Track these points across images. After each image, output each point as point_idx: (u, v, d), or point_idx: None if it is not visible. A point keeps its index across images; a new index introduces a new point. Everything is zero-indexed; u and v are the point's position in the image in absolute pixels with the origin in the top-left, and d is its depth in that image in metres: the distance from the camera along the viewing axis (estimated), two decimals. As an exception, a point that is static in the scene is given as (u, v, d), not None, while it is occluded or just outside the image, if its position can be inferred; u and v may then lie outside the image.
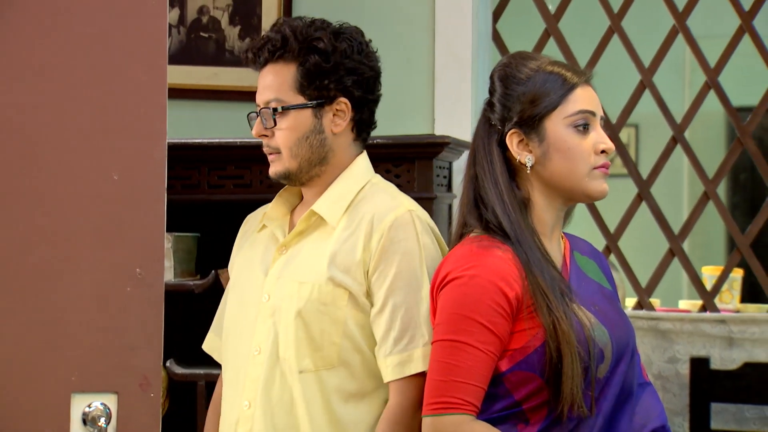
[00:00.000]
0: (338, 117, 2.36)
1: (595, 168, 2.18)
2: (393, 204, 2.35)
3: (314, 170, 2.37)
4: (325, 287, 2.31)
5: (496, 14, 4.12)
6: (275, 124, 2.34)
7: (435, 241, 2.36)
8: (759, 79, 4.36)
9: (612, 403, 2.16)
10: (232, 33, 3.70)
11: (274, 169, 2.39)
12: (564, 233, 2.31)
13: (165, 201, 1.88)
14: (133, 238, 1.85)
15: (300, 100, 2.34)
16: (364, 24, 3.61)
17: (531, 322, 2.12)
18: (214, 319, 2.61)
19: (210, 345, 2.61)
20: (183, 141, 3.23)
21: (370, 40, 2.42)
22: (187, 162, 3.27)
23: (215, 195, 3.27)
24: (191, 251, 3.36)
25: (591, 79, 2.25)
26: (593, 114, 2.21)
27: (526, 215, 2.19)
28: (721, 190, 5.89)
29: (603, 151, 2.19)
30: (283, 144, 2.35)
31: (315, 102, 2.33)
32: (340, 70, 2.33)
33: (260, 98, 2.41)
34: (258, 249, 2.46)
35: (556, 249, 2.25)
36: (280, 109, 2.33)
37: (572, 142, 2.17)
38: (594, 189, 2.18)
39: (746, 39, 4.13)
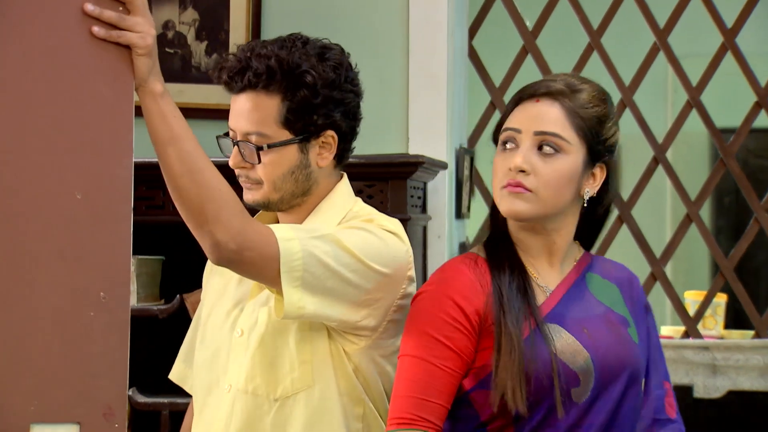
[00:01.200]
0: (324, 149, 2.29)
1: (502, 187, 2.18)
2: None
3: (296, 200, 2.31)
4: None
5: (472, 30, 4.13)
6: (259, 161, 2.27)
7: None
8: (742, 99, 4.39)
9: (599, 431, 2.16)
10: (198, 49, 3.69)
11: (253, 197, 2.30)
12: (593, 255, 2.30)
13: (131, 222, 1.86)
14: (97, 260, 1.83)
15: (285, 134, 2.25)
16: (337, 40, 3.61)
17: (491, 340, 2.15)
18: (182, 347, 2.51)
19: (178, 375, 2.52)
20: (147, 160, 3.18)
21: (349, 54, 2.37)
22: (152, 182, 3.23)
23: (179, 216, 3.23)
24: (155, 275, 3.33)
25: (545, 94, 2.18)
26: (518, 131, 2.17)
27: (509, 232, 2.23)
28: (705, 212, 5.91)
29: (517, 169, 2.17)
30: (266, 178, 2.27)
31: (301, 137, 2.26)
32: (328, 103, 2.26)
33: (237, 126, 2.28)
34: (231, 280, 2.38)
35: (548, 268, 2.23)
36: (265, 147, 2.24)
37: (495, 161, 2.22)
38: (502, 208, 2.18)
39: (729, 58, 4.16)
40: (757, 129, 4.42)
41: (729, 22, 4.16)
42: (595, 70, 4.03)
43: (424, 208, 3.51)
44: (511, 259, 2.21)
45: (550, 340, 2.14)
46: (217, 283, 2.42)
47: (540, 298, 2.20)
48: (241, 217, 2.08)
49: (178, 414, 3.21)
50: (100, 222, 1.83)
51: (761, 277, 6.47)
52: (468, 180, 3.87)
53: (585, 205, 2.22)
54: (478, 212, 4.24)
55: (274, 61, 2.23)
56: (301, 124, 2.25)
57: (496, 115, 4.17)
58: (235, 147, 2.28)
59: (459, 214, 3.77)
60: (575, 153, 2.18)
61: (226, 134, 2.33)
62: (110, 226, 1.83)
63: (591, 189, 2.21)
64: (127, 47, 1.92)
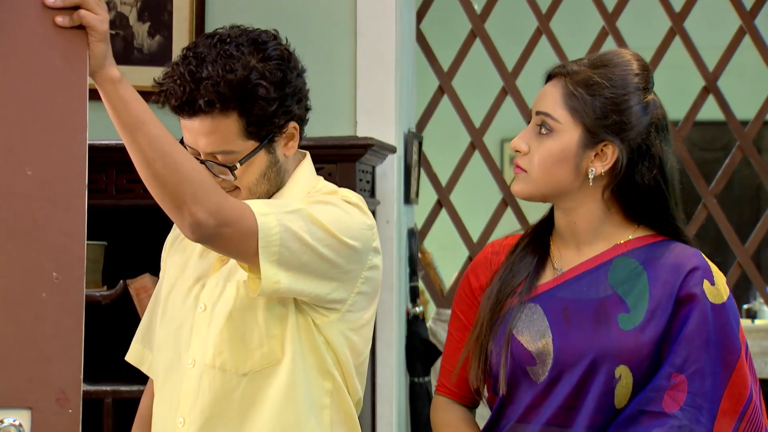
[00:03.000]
0: (289, 140, 2.30)
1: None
2: None
3: (273, 192, 2.33)
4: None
5: (420, 14, 4.11)
6: (235, 178, 2.25)
7: None
8: (690, 90, 4.42)
9: (555, 415, 2.17)
10: (141, 30, 3.64)
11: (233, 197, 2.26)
12: (659, 241, 2.24)
13: (85, 199, 1.82)
14: (50, 239, 1.78)
15: (250, 144, 2.24)
16: (283, 22, 3.56)
17: None
18: (140, 328, 2.48)
19: (136, 356, 2.50)
20: (90, 143, 3.15)
21: (287, 39, 2.34)
22: (93, 165, 3.12)
23: (123, 200, 3.21)
24: (97, 260, 3.29)
25: (556, 74, 2.24)
26: (534, 112, 2.24)
27: (551, 215, 2.31)
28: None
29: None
30: (242, 186, 2.27)
31: (266, 140, 2.26)
32: (284, 101, 2.25)
33: (198, 146, 2.24)
34: (192, 256, 2.37)
35: (572, 250, 2.26)
36: (238, 166, 2.23)
37: None
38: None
39: (676, 47, 4.19)
40: (702, 122, 4.46)
41: (678, 7, 4.19)
42: (544, 55, 4.03)
43: (372, 193, 3.48)
44: (535, 240, 2.28)
45: (514, 319, 2.20)
46: (177, 260, 2.40)
47: (546, 277, 2.24)
48: (216, 194, 2.08)
49: (122, 402, 3.17)
50: (52, 199, 1.78)
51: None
52: (417, 165, 3.85)
53: (612, 186, 2.20)
54: (427, 197, 4.23)
55: (223, 86, 2.19)
56: (264, 131, 2.25)
57: (445, 100, 4.16)
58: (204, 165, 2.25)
59: (408, 200, 3.75)
60: (567, 133, 2.20)
61: (182, 141, 2.27)
62: (63, 203, 1.79)
63: (599, 168, 2.20)
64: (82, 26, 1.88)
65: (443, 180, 4.22)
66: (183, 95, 2.23)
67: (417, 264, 3.86)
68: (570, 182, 2.21)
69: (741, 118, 4.25)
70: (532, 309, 2.22)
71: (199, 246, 2.35)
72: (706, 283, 2.19)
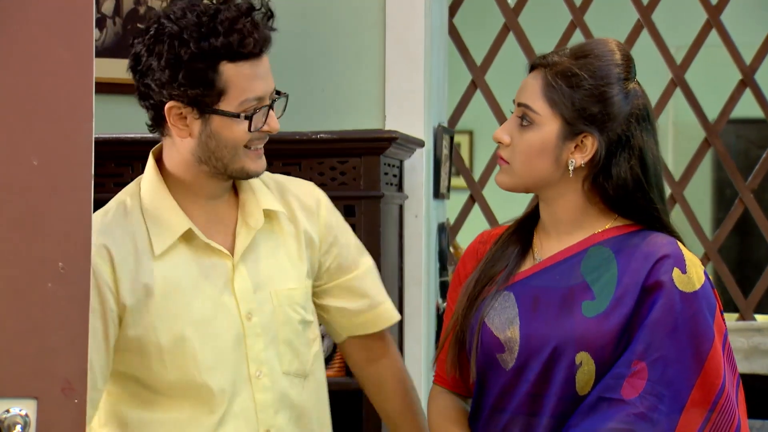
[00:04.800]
0: None
1: None
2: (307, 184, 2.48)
3: None
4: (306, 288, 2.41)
5: (453, 8, 4.10)
6: (284, 109, 2.35)
7: None
8: (727, 83, 4.37)
9: (523, 403, 2.20)
10: (110, 21, 3.64)
11: (264, 163, 2.32)
12: (634, 231, 2.24)
13: (92, 189, 1.82)
14: (55, 229, 1.78)
15: None
16: (312, 16, 3.58)
17: None
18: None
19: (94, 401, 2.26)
20: (114, 136, 3.17)
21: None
22: (121, 159, 3.21)
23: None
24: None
25: (538, 65, 2.24)
26: (515, 104, 2.27)
27: (539, 206, 2.33)
28: (705, 205, 5.92)
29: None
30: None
31: None
32: None
33: (269, 87, 2.27)
34: (190, 265, 2.29)
35: (553, 239, 2.28)
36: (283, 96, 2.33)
37: None
38: None
39: (713, 41, 4.15)
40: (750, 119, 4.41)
41: (714, 1, 4.14)
42: (577, 48, 3.99)
43: (400, 187, 3.47)
44: (519, 230, 2.32)
45: (487, 307, 2.25)
46: (171, 274, 2.28)
47: (525, 266, 2.28)
48: None
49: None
50: (58, 189, 1.78)
51: (747, 260, 6.48)
52: (447, 159, 3.84)
53: (592, 177, 2.21)
54: (461, 192, 4.21)
55: (265, 25, 2.26)
56: None
57: (478, 95, 4.14)
58: (272, 110, 2.29)
59: (438, 194, 3.74)
60: (547, 125, 2.21)
61: (253, 109, 2.25)
62: (69, 193, 1.79)
63: (578, 159, 2.21)
64: (88, 9, 1.87)
65: (476, 175, 4.20)
66: (260, 35, 2.23)
67: (447, 259, 3.84)
68: (551, 173, 2.22)
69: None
70: (505, 297, 2.25)
71: (189, 255, 2.29)
72: (676, 271, 2.17)
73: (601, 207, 2.25)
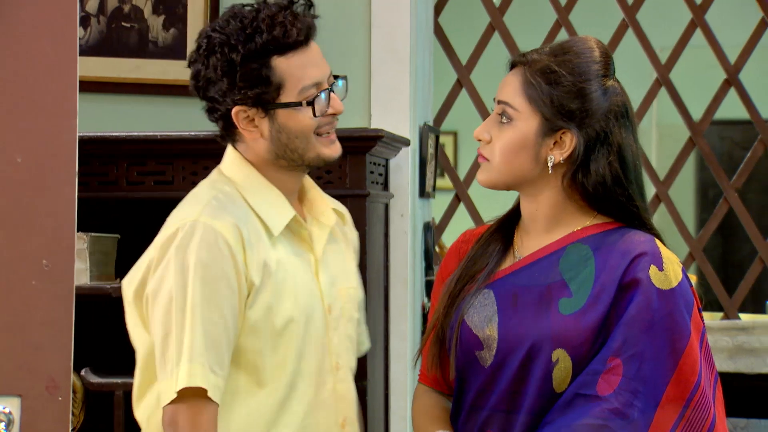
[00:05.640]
0: None
1: None
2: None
3: None
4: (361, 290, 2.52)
5: (438, 7, 4.10)
6: (346, 91, 2.42)
7: None
8: (712, 82, 4.38)
9: (501, 400, 2.21)
10: (155, 23, 3.64)
11: (339, 148, 2.41)
12: (613, 229, 2.25)
13: (75, 186, 1.82)
14: (39, 226, 1.79)
15: None
16: (297, 13, 3.57)
17: None
18: (198, 349, 2.21)
19: (222, 392, 2.26)
20: (98, 135, 3.17)
21: None
22: (104, 157, 3.21)
23: (135, 192, 3.22)
24: (109, 253, 3.29)
25: (517, 63, 2.27)
26: (495, 101, 2.29)
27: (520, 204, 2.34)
28: (689, 206, 5.91)
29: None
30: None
31: None
32: None
33: (324, 71, 2.35)
34: (291, 253, 2.36)
35: (533, 237, 2.29)
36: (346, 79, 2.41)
37: None
38: None
39: (698, 40, 4.16)
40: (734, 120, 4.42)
41: (699, 1, 4.15)
42: (562, 47, 4.00)
43: (386, 186, 3.47)
44: (501, 229, 2.33)
45: (467, 305, 2.26)
46: (272, 258, 2.33)
47: (506, 264, 2.29)
48: None
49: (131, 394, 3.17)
50: (42, 186, 1.78)
51: (729, 260, 6.51)
52: (433, 158, 3.84)
53: (571, 174, 2.21)
54: (446, 192, 4.21)
55: (304, 16, 2.34)
56: None
57: (463, 94, 4.15)
58: (332, 93, 2.35)
59: (423, 193, 3.74)
60: (526, 122, 2.22)
61: (312, 95, 2.32)
62: (53, 190, 1.79)
63: (557, 156, 2.22)
64: (72, 8, 1.88)
65: (461, 174, 4.21)
66: (303, 24, 2.31)
67: (433, 258, 3.85)
68: (530, 170, 2.23)
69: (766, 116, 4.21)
70: (485, 295, 2.27)
71: (289, 242, 2.37)
72: (653, 269, 2.18)
73: (580, 204, 2.26)
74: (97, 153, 3.17)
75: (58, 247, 1.79)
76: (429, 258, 3.81)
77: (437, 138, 3.94)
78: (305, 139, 2.32)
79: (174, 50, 3.62)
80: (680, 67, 4.20)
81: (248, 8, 2.32)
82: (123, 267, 3.31)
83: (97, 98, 3.54)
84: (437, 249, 4.09)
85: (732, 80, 4.15)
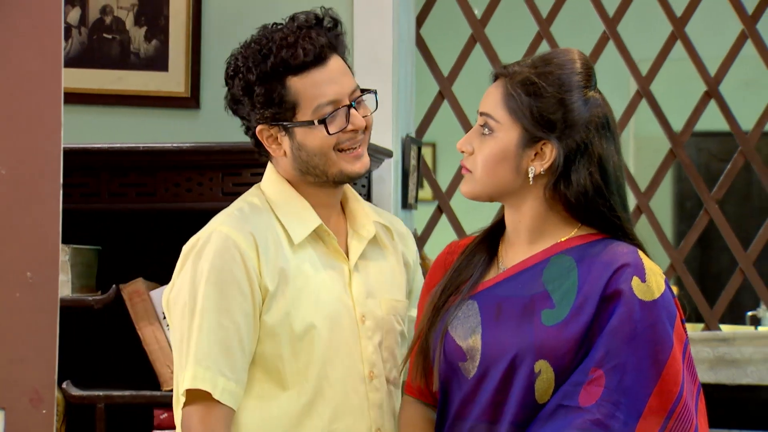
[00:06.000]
0: None
1: None
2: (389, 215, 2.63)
3: None
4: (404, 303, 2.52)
5: (420, 19, 4.11)
6: (377, 106, 2.47)
7: None
8: (694, 96, 4.40)
9: (484, 411, 2.21)
10: (137, 34, 3.65)
11: (368, 161, 2.46)
12: (597, 240, 2.26)
13: (60, 199, 1.83)
14: (24, 239, 1.79)
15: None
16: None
17: None
18: (206, 352, 2.27)
19: (234, 395, 2.30)
20: (80, 146, 3.16)
21: None
22: (86, 169, 3.19)
23: (116, 204, 3.20)
24: (91, 265, 3.28)
25: (500, 75, 2.30)
26: (478, 113, 2.32)
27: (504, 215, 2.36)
28: (666, 217, 5.94)
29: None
30: (369, 130, 2.46)
31: None
32: None
33: (349, 85, 2.40)
34: (317, 261, 2.40)
35: (517, 248, 2.30)
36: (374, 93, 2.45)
37: None
38: None
39: (679, 53, 4.17)
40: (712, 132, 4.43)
41: (679, 12, 4.18)
42: (543, 59, 4.01)
43: (368, 197, 3.48)
44: (486, 240, 2.35)
45: (451, 316, 2.28)
46: (294, 266, 2.38)
47: (490, 275, 2.31)
48: None
49: (114, 407, 3.16)
50: (27, 199, 1.79)
51: (707, 272, 6.54)
52: (415, 170, 3.85)
53: (553, 185, 2.23)
54: (427, 204, 4.22)
55: (326, 32, 2.39)
56: None
57: (445, 105, 4.16)
58: (353, 109, 2.39)
59: (406, 204, 3.75)
60: (506, 132, 2.25)
61: (330, 110, 2.36)
62: (38, 203, 1.80)
63: (538, 167, 2.24)
64: (57, 22, 1.89)
65: (443, 185, 4.21)
66: (316, 43, 2.36)
67: (415, 270, 3.85)
68: (512, 181, 2.25)
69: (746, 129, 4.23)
70: (469, 306, 2.28)
71: (315, 252, 2.40)
72: (635, 280, 2.19)
73: (563, 215, 2.27)
74: (78, 164, 3.15)
75: (42, 260, 1.80)
76: (411, 269, 3.81)
77: (419, 149, 3.95)
78: (324, 156, 2.37)
79: (156, 62, 3.63)
80: (660, 78, 4.22)
81: (273, 27, 2.41)
82: (104, 279, 3.32)
83: (78, 110, 3.53)
84: (420, 261, 4.09)
85: (712, 92, 4.17)
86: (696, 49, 4.16)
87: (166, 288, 2.40)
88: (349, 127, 2.37)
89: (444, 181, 4.25)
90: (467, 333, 2.26)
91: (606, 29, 4.16)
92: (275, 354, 2.32)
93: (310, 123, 2.34)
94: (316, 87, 2.34)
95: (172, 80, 3.62)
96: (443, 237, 4.45)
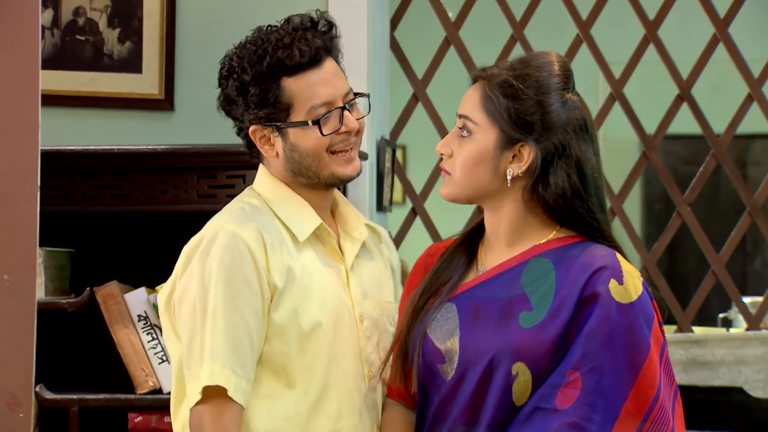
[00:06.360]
0: None
1: None
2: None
3: None
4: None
5: (394, 22, 4.11)
6: (370, 109, 2.48)
7: None
8: (666, 98, 4.41)
9: (462, 413, 2.22)
10: (110, 36, 3.63)
11: (359, 165, 2.47)
12: (576, 242, 2.27)
13: (37, 201, 1.82)
14: (1, 241, 1.78)
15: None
16: (255, 27, 3.57)
17: None
18: (220, 350, 2.25)
19: (245, 393, 2.29)
20: (53, 148, 3.15)
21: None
22: (59, 171, 3.18)
23: (90, 206, 3.19)
24: (64, 267, 3.27)
25: (478, 77, 2.31)
26: (457, 116, 2.33)
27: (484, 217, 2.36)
28: (635, 219, 5.96)
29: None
30: (361, 133, 2.46)
31: None
32: None
33: (342, 88, 2.41)
34: (318, 260, 2.41)
35: (497, 251, 2.31)
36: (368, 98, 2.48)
37: None
38: None
39: (651, 55, 4.18)
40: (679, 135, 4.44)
41: (651, 15, 4.20)
42: (517, 62, 4.02)
43: (344, 200, 3.47)
44: (466, 242, 2.36)
45: (430, 319, 2.29)
46: (308, 264, 2.39)
47: (469, 278, 2.32)
48: None
49: (88, 410, 3.15)
50: (3, 201, 1.78)
51: (674, 274, 6.57)
52: (390, 172, 3.85)
53: (531, 187, 2.24)
54: (404, 206, 4.22)
55: (322, 35, 2.40)
56: None
57: (419, 108, 4.16)
58: (346, 111, 2.39)
59: (381, 207, 3.75)
60: (484, 134, 2.26)
61: (321, 113, 2.37)
62: (15, 205, 1.79)
63: (516, 169, 2.25)
64: (35, 23, 1.88)
65: (417, 188, 4.21)
66: (311, 45, 2.37)
67: (389, 272, 3.85)
68: (489, 183, 2.27)
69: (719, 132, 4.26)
70: (448, 308, 2.29)
71: (315, 251, 2.41)
72: (612, 283, 2.21)
73: (542, 217, 2.28)
74: (52, 167, 3.13)
75: (19, 263, 1.79)
76: (386, 272, 3.81)
77: (393, 152, 3.95)
78: (317, 157, 2.38)
79: (129, 63, 3.62)
80: (632, 81, 4.24)
81: (268, 28, 2.41)
82: (78, 281, 3.31)
83: (51, 112, 3.51)
84: (394, 263, 4.09)
85: (684, 95, 4.19)
86: (668, 53, 4.18)
87: (163, 289, 2.39)
88: (342, 128, 2.38)
89: (416, 184, 4.25)
90: (446, 335, 2.27)
91: (579, 32, 4.18)
92: (283, 352, 2.32)
93: (304, 123, 2.36)
94: (310, 88, 2.36)
95: (146, 82, 3.60)
96: (417, 240, 4.46)
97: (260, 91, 2.36)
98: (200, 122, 3.56)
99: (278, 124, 2.37)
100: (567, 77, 2.26)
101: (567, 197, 2.24)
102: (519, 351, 2.20)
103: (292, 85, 2.35)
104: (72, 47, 3.62)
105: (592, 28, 4.18)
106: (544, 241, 2.28)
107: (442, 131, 4.16)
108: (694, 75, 4.19)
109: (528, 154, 2.24)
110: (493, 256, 2.31)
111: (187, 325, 2.29)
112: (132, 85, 3.60)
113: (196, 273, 2.29)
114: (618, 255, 2.26)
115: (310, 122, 2.36)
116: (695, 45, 4.29)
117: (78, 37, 3.63)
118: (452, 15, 4.18)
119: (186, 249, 2.37)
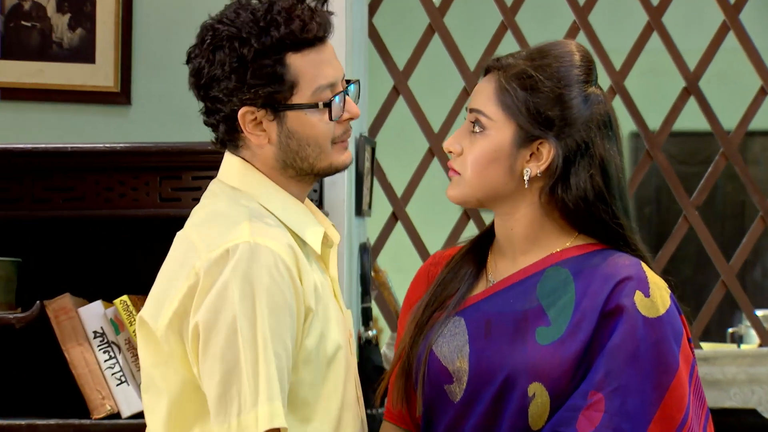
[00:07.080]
0: None
1: None
2: None
3: None
4: None
5: (373, 7, 4.09)
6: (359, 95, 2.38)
7: None
8: (670, 93, 4.41)
9: None
10: (60, 22, 3.61)
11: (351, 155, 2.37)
12: (598, 250, 2.25)
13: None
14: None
15: None
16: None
17: None
18: (276, 386, 2.16)
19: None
20: (1, 146, 3.12)
21: None
22: (6, 171, 3.15)
23: (40, 211, 3.16)
24: (11, 279, 3.24)
25: (491, 68, 2.29)
26: (467, 110, 2.31)
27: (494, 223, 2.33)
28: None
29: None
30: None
31: None
32: None
33: (338, 72, 2.30)
34: (319, 273, 2.30)
35: (509, 259, 2.29)
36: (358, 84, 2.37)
37: None
38: None
39: (655, 44, 4.19)
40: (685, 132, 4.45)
41: (656, 2, 4.20)
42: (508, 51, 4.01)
43: (320, 203, 3.45)
44: (473, 251, 2.33)
45: (436, 334, 2.26)
46: (315, 283, 2.28)
47: (478, 289, 2.29)
48: None
49: (37, 438, 3.12)
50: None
51: (678, 283, 6.57)
52: (369, 173, 3.82)
53: (549, 189, 2.22)
54: (382, 209, 4.20)
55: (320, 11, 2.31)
56: None
57: (400, 102, 4.14)
58: (347, 96, 2.31)
59: (359, 211, 3.72)
60: (499, 131, 2.24)
61: (327, 98, 2.27)
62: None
63: (534, 169, 2.23)
64: None
65: (398, 190, 4.19)
66: (324, 19, 2.28)
67: (369, 283, 3.83)
68: (504, 184, 2.24)
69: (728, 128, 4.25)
70: (455, 323, 2.27)
71: (312, 266, 2.30)
72: (638, 295, 2.19)
73: (560, 223, 2.26)
74: (-5, 166, 3.12)
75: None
76: (365, 283, 3.79)
77: (373, 150, 3.93)
78: (318, 146, 2.27)
79: (81, 52, 3.60)
80: (634, 73, 4.24)
81: (256, 1, 2.28)
82: (25, 294, 3.27)
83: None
84: (373, 273, 4.07)
85: (692, 88, 4.18)
86: (674, 41, 4.18)
87: (161, 308, 2.23)
88: (346, 114, 2.30)
89: (396, 186, 4.22)
90: (454, 353, 2.24)
91: (575, 18, 4.17)
92: (308, 382, 2.22)
93: (314, 106, 2.25)
94: (316, 67, 2.25)
95: (100, 73, 3.59)
96: (398, 247, 4.44)
97: (263, 67, 2.22)
98: (160, 117, 3.54)
99: (280, 105, 2.25)
100: (589, 68, 2.25)
101: (589, 200, 2.22)
102: (536, 370, 2.17)
103: (298, 61, 2.23)
104: (17, 34, 3.60)
105: (590, 14, 4.17)
106: (560, 249, 2.26)
107: (427, 128, 4.14)
108: (702, 66, 4.19)
109: (548, 153, 2.22)
110: (505, 266, 2.29)
111: (221, 355, 2.13)
112: (84, 76, 3.58)
113: (236, 296, 2.13)
114: (644, 265, 2.24)
115: (321, 104, 2.25)
116: (703, 33, 4.29)
117: (23, 23, 3.60)
118: (436, 0, 4.16)
119: (204, 265, 2.18)
